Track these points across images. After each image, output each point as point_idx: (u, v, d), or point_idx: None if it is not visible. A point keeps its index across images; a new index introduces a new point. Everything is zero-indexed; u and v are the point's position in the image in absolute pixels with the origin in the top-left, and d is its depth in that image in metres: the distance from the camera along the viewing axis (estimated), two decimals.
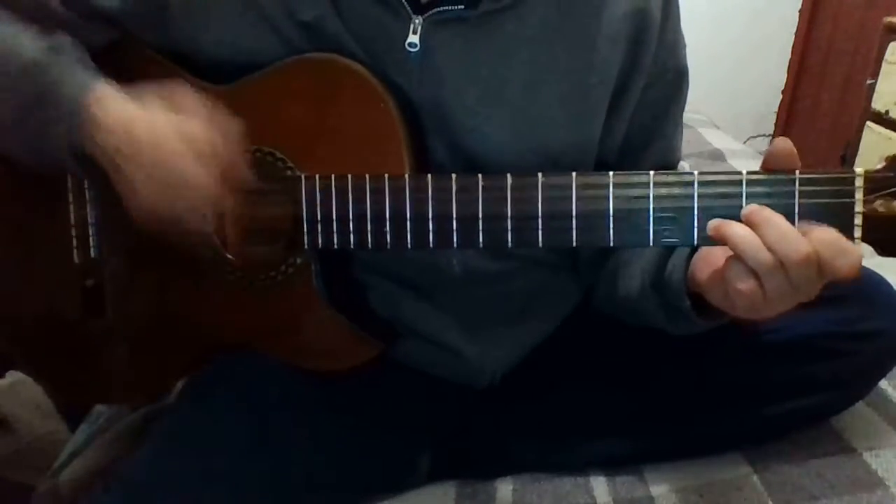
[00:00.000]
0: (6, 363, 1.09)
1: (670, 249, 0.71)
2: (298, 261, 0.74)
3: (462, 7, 0.70)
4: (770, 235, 0.56)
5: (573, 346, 0.87)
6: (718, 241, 0.59)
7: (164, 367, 0.82)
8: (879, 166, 0.58)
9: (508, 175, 0.65)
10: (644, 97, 0.77)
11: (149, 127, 0.65)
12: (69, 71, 0.70)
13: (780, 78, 3.11)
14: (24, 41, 0.71)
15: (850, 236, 0.58)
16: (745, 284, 0.57)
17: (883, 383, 0.87)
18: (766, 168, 0.60)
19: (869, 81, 2.27)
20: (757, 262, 0.56)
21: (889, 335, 0.78)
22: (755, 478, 0.79)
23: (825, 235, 0.56)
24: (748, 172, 0.60)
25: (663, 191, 0.62)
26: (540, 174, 0.65)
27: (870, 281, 0.80)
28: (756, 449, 0.82)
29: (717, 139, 1.80)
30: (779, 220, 0.57)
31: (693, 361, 0.81)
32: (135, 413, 0.99)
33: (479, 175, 0.66)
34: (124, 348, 0.82)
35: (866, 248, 0.62)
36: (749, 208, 0.58)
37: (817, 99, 2.99)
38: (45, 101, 0.68)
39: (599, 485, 0.82)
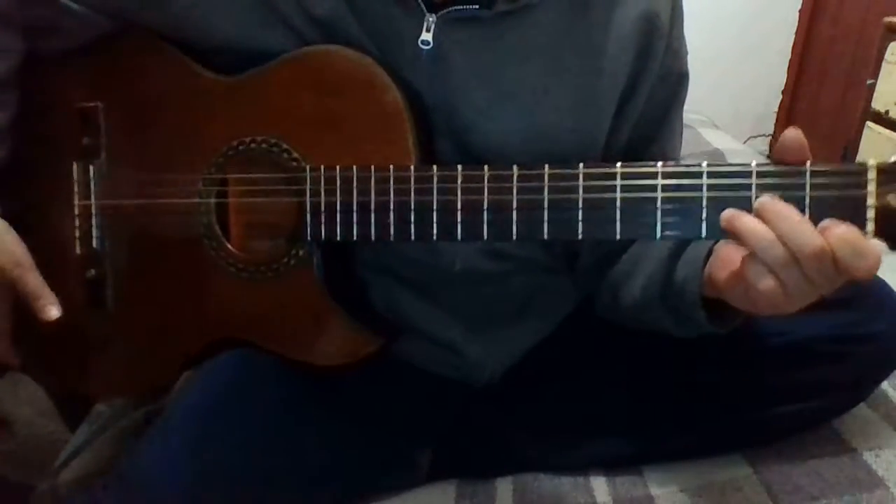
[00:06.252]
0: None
1: (675, 259, 0.70)
2: (300, 252, 0.74)
3: (477, 7, 0.71)
4: (781, 228, 0.55)
5: (573, 346, 0.87)
6: (730, 233, 0.57)
7: (163, 362, 0.81)
8: (893, 159, 0.56)
9: (515, 166, 0.65)
10: (647, 100, 0.77)
11: None
12: None
13: (780, 78, 3.12)
14: None
15: (863, 231, 0.56)
16: (765, 284, 0.55)
17: (883, 383, 0.87)
18: (776, 159, 0.59)
19: (869, 81, 2.28)
20: (770, 256, 0.55)
21: (889, 337, 0.78)
22: (755, 478, 0.79)
23: (844, 233, 0.54)
24: (758, 164, 0.59)
25: (671, 182, 0.61)
26: (546, 165, 0.64)
27: (870, 283, 0.80)
28: (756, 449, 0.82)
29: (717, 139, 1.80)
30: (791, 212, 0.55)
31: (694, 363, 0.81)
32: (135, 412, 0.99)
33: (486, 166, 0.66)
34: (124, 341, 0.82)
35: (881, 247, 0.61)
36: (761, 201, 0.56)
37: (817, 99, 3.00)
38: None
39: (599, 485, 0.82)
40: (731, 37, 2.96)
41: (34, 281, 0.74)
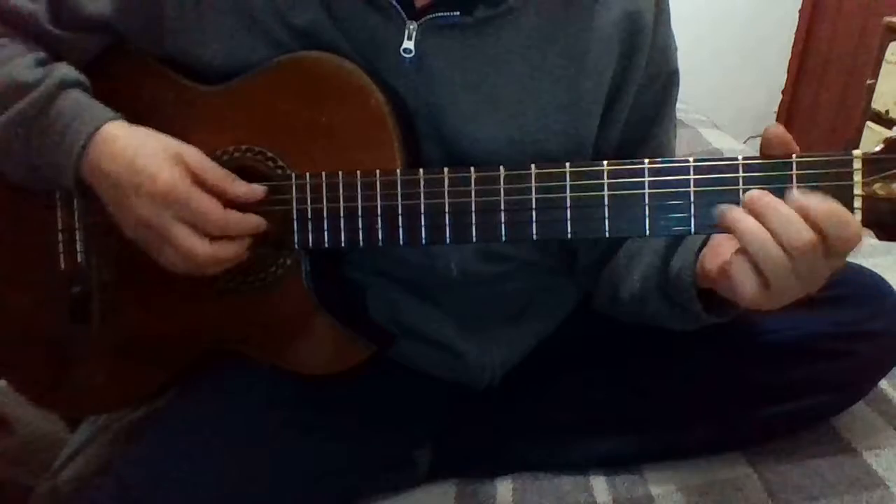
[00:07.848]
0: None
1: (672, 250, 0.70)
2: (288, 261, 0.73)
3: (457, 13, 0.71)
4: (772, 221, 0.55)
5: (573, 346, 0.87)
6: (724, 228, 0.58)
7: (154, 374, 0.81)
8: (877, 149, 0.57)
9: (501, 167, 0.65)
10: (637, 100, 0.77)
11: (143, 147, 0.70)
12: (80, 105, 0.72)
13: (780, 78, 3.11)
14: (25, 69, 0.73)
15: None
16: (751, 284, 0.56)
17: (883, 383, 0.88)
18: (763, 155, 0.59)
19: (869, 81, 2.28)
20: (762, 253, 0.55)
21: (889, 335, 0.78)
22: (755, 478, 0.79)
23: (829, 208, 0.54)
24: (744, 158, 0.59)
25: (659, 178, 0.61)
26: (533, 165, 0.64)
27: (869, 281, 0.80)
28: (756, 449, 0.82)
29: (717, 139, 1.79)
30: (780, 205, 0.55)
31: (694, 361, 0.81)
32: (135, 413, 0.99)
33: (472, 168, 0.66)
34: (112, 356, 0.81)
35: (866, 240, 0.61)
36: (750, 194, 0.56)
37: (817, 99, 2.99)
38: (54, 130, 0.71)
39: (599, 484, 0.82)
40: (731, 37, 2.96)
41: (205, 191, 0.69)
